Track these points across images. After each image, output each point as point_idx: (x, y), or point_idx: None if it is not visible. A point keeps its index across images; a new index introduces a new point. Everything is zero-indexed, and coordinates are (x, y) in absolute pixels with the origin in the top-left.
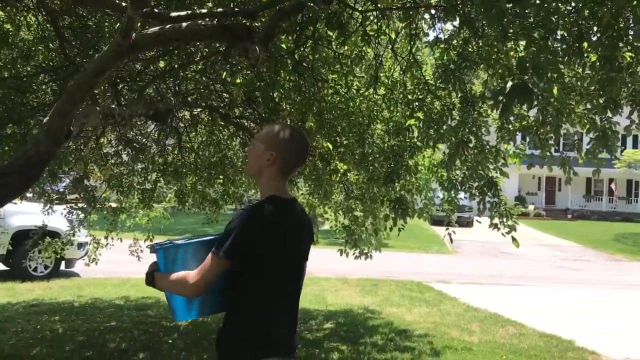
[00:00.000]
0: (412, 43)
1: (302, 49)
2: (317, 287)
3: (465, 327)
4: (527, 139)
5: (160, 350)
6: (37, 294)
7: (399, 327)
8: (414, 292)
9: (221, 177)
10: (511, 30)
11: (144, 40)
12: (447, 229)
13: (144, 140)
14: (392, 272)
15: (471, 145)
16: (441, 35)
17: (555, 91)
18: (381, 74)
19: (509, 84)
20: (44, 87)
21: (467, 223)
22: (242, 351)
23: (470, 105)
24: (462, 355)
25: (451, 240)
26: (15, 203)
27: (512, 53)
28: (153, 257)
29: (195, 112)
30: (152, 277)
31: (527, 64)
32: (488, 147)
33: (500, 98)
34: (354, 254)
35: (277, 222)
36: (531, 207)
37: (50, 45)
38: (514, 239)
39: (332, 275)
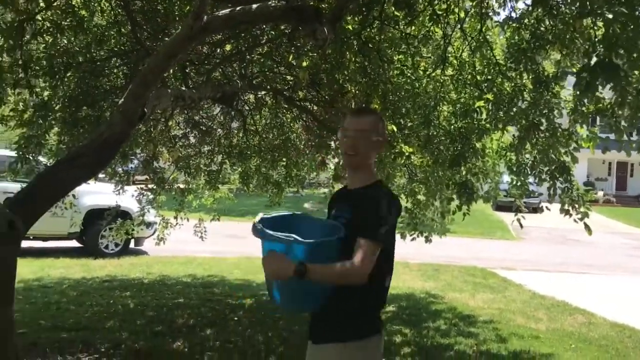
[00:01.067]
0: (482, 22)
1: (368, 29)
2: None
3: (531, 314)
4: (600, 122)
5: (227, 327)
6: (109, 270)
7: (462, 312)
8: (477, 278)
9: (284, 159)
10: (590, 7)
11: (215, 22)
12: (516, 214)
13: (210, 123)
14: (454, 258)
15: (542, 128)
16: (513, 14)
17: (637, 72)
18: (449, 55)
19: (593, 60)
20: (115, 70)
21: (534, 209)
22: (361, 325)
23: (544, 87)
24: (528, 343)
25: (521, 226)
26: (88, 183)
27: (589, 31)
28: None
29: (260, 95)
30: (305, 269)
31: (613, 40)
32: (560, 130)
33: (584, 75)
34: (411, 236)
35: (397, 202)
36: (600, 193)
37: (122, 29)
38: (586, 226)
39: None
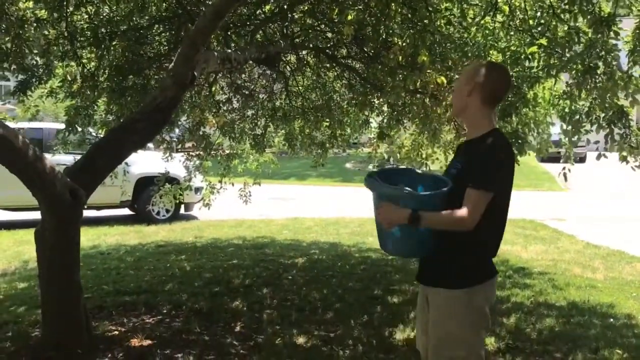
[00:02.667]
0: None
1: None
2: None
3: (587, 264)
4: None
5: (282, 286)
6: (162, 235)
7: (516, 264)
8: (528, 230)
9: (328, 120)
10: None
11: None
12: (564, 168)
13: (252, 86)
14: None
15: (599, 71)
16: None
17: None
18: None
19: None
20: (158, 37)
21: (580, 159)
22: (469, 274)
23: (605, 26)
24: (587, 292)
25: (565, 179)
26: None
27: None
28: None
29: (302, 55)
30: (418, 216)
31: None
32: (619, 73)
33: None
34: None
35: (512, 152)
36: None
37: None
38: None
39: None
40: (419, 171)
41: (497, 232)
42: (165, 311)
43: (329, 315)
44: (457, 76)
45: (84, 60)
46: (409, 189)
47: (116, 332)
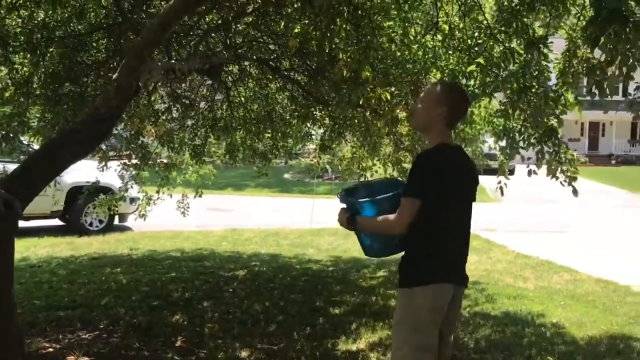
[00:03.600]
0: None
1: None
2: None
3: (518, 274)
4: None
5: (223, 299)
6: (96, 247)
7: None
8: None
9: (270, 131)
10: None
11: None
12: (500, 182)
13: (192, 95)
14: None
15: (533, 90)
16: None
17: None
18: (439, 20)
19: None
20: (94, 44)
21: (509, 171)
22: (424, 273)
23: (536, 48)
24: (518, 301)
25: (502, 193)
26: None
27: None
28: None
29: (244, 66)
30: (355, 221)
31: None
32: (552, 93)
33: (591, 30)
34: None
35: (451, 163)
36: (574, 154)
37: (103, 2)
38: (574, 189)
39: None
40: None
41: (438, 238)
42: (102, 326)
43: (271, 327)
44: (397, 91)
45: (17, 66)
46: (351, 199)
47: (51, 350)
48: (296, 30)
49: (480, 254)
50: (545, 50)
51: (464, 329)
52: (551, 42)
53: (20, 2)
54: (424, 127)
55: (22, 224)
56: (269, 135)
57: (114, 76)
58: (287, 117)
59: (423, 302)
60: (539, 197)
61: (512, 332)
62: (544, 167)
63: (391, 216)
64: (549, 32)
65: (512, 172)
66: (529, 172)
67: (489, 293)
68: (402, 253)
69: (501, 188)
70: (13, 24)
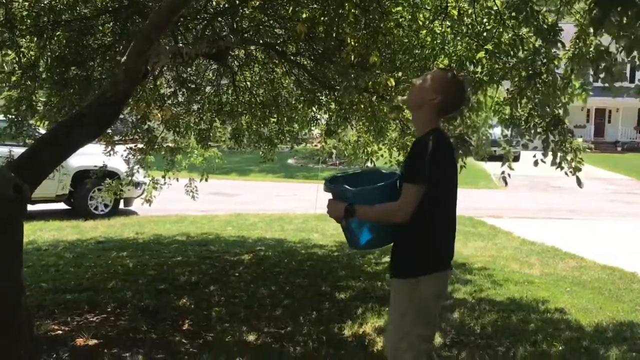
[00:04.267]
0: None
1: None
2: None
3: (524, 260)
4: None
5: (229, 283)
6: (101, 231)
7: (456, 260)
8: (467, 227)
9: (275, 115)
10: None
11: None
12: (503, 172)
13: (198, 80)
14: None
15: (543, 78)
16: None
17: None
18: (448, 5)
19: None
20: (101, 28)
21: (514, 158)
22: (429, 262)
23: (552, 35)
24: (524, 288)
25: (505, 184)
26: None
27: None
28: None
29: (251, 50)
30: (353, 209)
31: None
32: (560, 80)
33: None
34: None
35: (448, 148)
36: (579, 140)
37: None
38: (578, 179)
39: None
40: (385, 171)
41: (440, 226)
42: (109, 309)
43: (277, 312)
44: (403, 77)
45: (23, 50)
46: (346, 186)
47: (60, 332)
48: (304, 16)
49: (486, 240)
50: (558, 37)
51: (470, 314)
52: (562, 30)
53: None
54: (415, 104)
55: (28, 207)
56: (275, 120)
57: (122, 60)
58: (293, 102)
59: (429, 291)
60: (545, 183)
61: (518, 318)
62: (550, 155)
63: (394, 204)
64: (558, 19)
65: (517, 158)
66: (535, 162)
67: (495, 279)
68: (395, 242)
69: (504, 178)
70: (20, 7)
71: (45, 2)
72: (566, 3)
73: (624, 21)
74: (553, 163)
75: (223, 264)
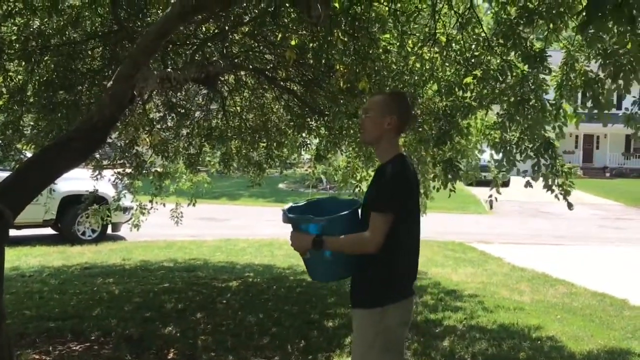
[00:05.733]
0: None
1: (356, 6)
2: None
3: (514, 287)
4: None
5: (216, 310)
6: (88, 257)
7: (447, 287)
8: (457, 253)
9: (265, 140)
10: None
11: (207, 0)
12: (490, 195)
13: (188, 105)
14: (431, 233)
15: (531, 103)
16: None
17: None
18: (437, 31)
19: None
20: (90, 52)
21: (503, 183)
22: (382, 294)
23: (538, 61)
24: (515, 315)
25: (491, 207)
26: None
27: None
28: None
29: (240, 75)
30: (321, 241)
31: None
32: (549, 106)
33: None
34: None
35: (413, 174)
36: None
37: (99, 10)
38: (568, 203)
39: None
40: (342, 198)
41: (405, 252)
42: (93, 338)
43: (265, 340)
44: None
45: (11, 74)
46: (311, 216)
47: None
48: (293, 43)
49: (476, 266)
50: (545, 64)
51: (460, 342)
52: (549, 56)
53: (16, 9)
54: (375, 139)
55: (13, 232)
56: (264, 144)
57: (109, 84)
58: (283, 127)
59: (396, 319)
60: (535, 209)
61: (509, 345)
62: (540, 180)
63: (364, 234)
64: (546, 45)
65: (506, 184)
66: (526, 184)
67: (486, 306)
68: (357, 271)
69: (491, 202)
70: (8, 31)
71: (34, 27)
72: (554, 30)
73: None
74: (545, 186)
75: (210, 291)
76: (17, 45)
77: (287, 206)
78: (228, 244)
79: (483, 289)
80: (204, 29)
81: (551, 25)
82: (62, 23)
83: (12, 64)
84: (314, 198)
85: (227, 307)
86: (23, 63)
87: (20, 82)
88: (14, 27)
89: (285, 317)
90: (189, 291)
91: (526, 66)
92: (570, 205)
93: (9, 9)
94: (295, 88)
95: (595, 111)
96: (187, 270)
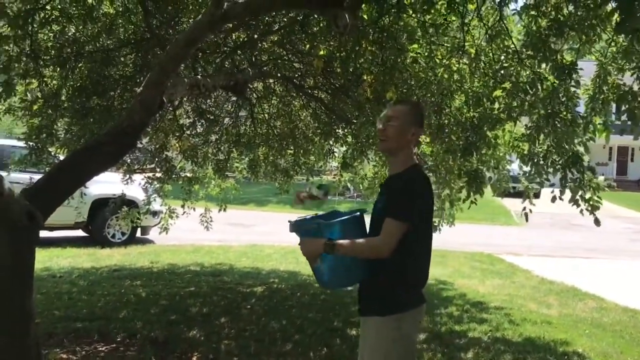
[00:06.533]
0: (500, 10)
1: (385, 17)
2: None
3: (542, 300)
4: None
5: (241, 315)
6: (117, 259)
7: (473, 298)
8: (485, 264)
9: (292, 147)
10: None
11: (235, 10)
12: (525, 207)
13: (217, 111)
14: (459, 244)
15: (561, 116)
16: (531, 0)
17: None
18: (466, 43)
19: None
20: (122, 59)
21: (534, 195)
22: (412, 298)
23: (566, 74)
24: (542, 328)
25: (526, 219)
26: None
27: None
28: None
29: (269, 83)
30: (333, 244)
31: None
32: (580, 119)
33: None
34: None
35: (428, 184)
36: (601, 178)
37: (132, 18)
38: (596, 218)
39: None
40: (344, 211)
41: (418, 261)
42: (119, 339)
43: (288, 346)
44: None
45: (46, 79)
46: (320, 220)
47: None
48: (321, 52)
49: (504, 278)
50: (575, 76)
51: (485, 355)
52: (581, 69)
53: (53, 17)
54: (397, 148)
55: (46, 234)
56: (291, 151)
57: (139, 91)
58: (310, 134)
59: (412, 327)
60: (566, 221)
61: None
62: (568, 193)
63: (376, 238)
64: (578, 57)
65: (537, 195)
66: (553, 198)
67: (512, 318)
68: (371, 278)
69: (526, 214)
70: (45, 38)
71: (70, 34)
72: (586, 42)
73: None
74: (572, 200)
75: (235, 296)
76: (53, 51)
77: (294, 219)
78: (254, 250)
79: (510, 302)
80: (233, 37)
81: (583, 38)
82: (96, 30)
83: (47, 69)
84: (318, 213)
85: (251, 312)
86: (58, 69)
87: (55, 87)
88: (50, 34)
89: (308, 324)
90: (214, 295)
91: (556, 78)
92: (597, 221)
93: (46, 16)
94: (323, 96)
95: (629, 123)
96: (213, 274)
